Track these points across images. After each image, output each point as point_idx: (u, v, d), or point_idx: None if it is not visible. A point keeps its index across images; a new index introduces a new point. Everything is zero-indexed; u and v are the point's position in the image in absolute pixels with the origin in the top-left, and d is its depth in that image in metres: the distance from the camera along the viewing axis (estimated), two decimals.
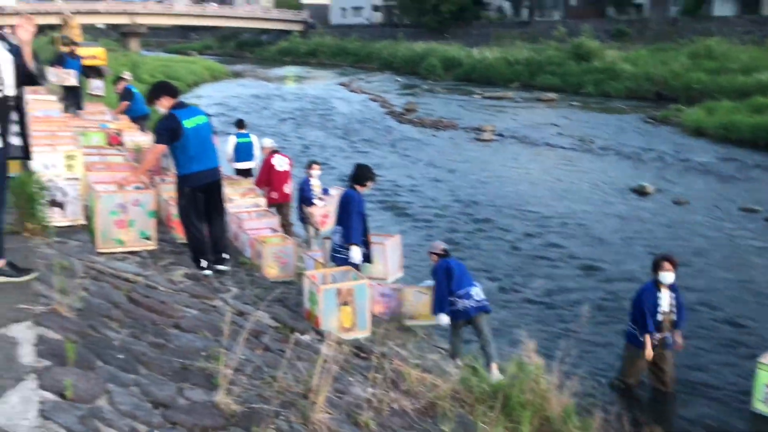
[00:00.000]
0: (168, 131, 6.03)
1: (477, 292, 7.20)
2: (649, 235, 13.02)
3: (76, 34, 43.10)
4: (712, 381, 7.63)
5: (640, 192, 16.13)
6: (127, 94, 14.10)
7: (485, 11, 61.07)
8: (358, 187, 7.14)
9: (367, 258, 7.24)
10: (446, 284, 7.10)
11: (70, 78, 13.91)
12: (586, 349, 8.07)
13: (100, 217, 5.88)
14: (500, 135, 24.21)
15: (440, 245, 7.60)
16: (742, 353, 8.26)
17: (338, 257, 7.09)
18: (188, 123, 6.07)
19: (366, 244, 7.19)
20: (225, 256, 6.48)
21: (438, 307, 7.13)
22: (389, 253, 8.05)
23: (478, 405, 4.80)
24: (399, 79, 47.26)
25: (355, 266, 6.85)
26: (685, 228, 13.48)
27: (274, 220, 8.91)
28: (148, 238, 6.23)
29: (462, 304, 7.10)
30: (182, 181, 6.23)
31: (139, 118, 13.50)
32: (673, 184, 17.02)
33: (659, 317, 7.15)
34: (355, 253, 6.97)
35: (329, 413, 3.65)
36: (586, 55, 39.21)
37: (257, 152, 11.84)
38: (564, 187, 16.97)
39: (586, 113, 30.03)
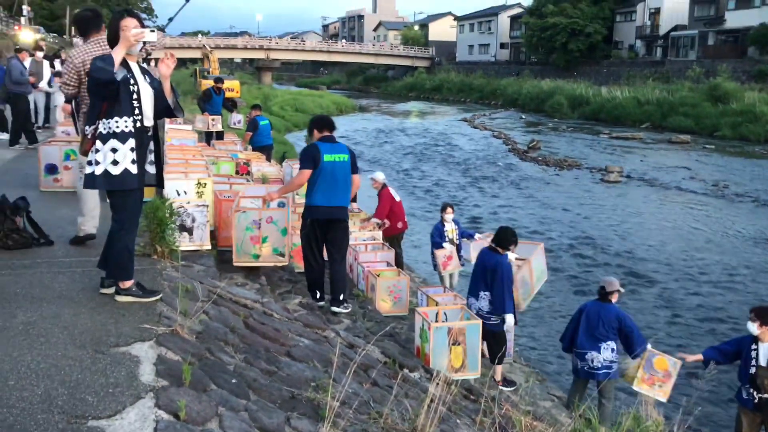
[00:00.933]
0: (309, 159, 6.30)
1: (594, 357, 6.77)
2: None
3: (215, 68, 46.04)
4: None
5: None
6: (252, 125, 14.70)
7: (616, 50, 59.72)
8: (501, 250, 7.04)
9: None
10: (571, 327, 6.96)
11: (217, 125, 14.71)
12: (713, 407, 7.59)
13: (237, 232, 6.31)
14: (628, 177, 23.44)
15: (614, 285, 6.97)
16: None
17: (492, 324, 6.95)
18: (328, 157, 6.29)
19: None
20: (342, 299, 6.49)
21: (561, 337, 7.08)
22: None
23: None
24: (523, 116, 46.95)
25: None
26: None
27: (390, 254, 8.96)
28: (281, 254, 6.49)
29: (574, 361, 6.91)
30: (306, 211, 6.44)
31: (261, 148, 14.02)
32: None
33: (752, 370, 6.52)
34: (510, 320, 6.90)
35: None
36: (723, 97, 37.43)
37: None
38: (694, 233, 16.16)
39: (721, 157, 28.60)
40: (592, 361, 6.76)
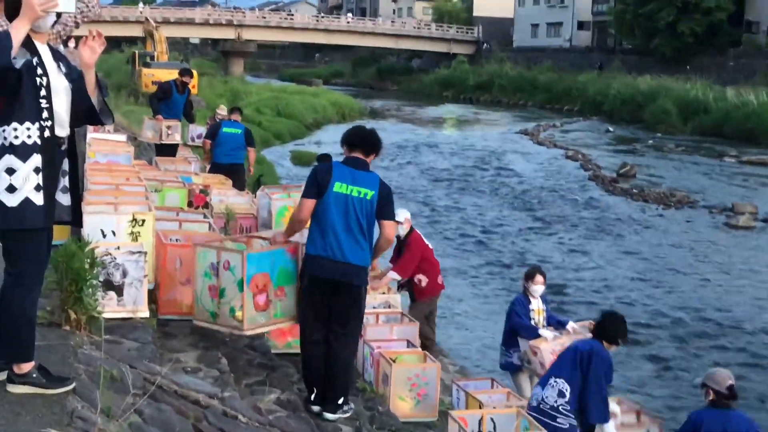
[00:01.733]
0: (312, 184, 6.36)
1: None
2: None
3: (161, 51, 46.61)
4: None
5: None
6: (213, 133, 14.54)
7: (749, 34, 59.83)
8: (606, 344, 7.00)
9: None
10: None
11: (175, 135, 14.86)
12: None
13: (196, 277, 6.51)
14: (765, 221, 23.35)
15: (726, 380, 6.77)
16: None
17: (558, 427, 6.88)
18: (340, 186, 6.25)
19: None
20: (340, 401, 6.42)
21: None
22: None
23: None
24: (611, 128, 47.01)
25: None
26: None
27: (413, 329, 8.86)
28: (237, 320, 6.42)
29: None
30: (304, 263, 6.45)
31: (227, 168, 13.83)
32: None
33: None
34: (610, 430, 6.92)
35: None
36: None
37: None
38: None
39: None
40: None
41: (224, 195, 11.46)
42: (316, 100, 50.45)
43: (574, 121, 51.84)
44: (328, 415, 6.30)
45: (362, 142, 6.56)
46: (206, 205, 10.54)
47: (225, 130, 14.35)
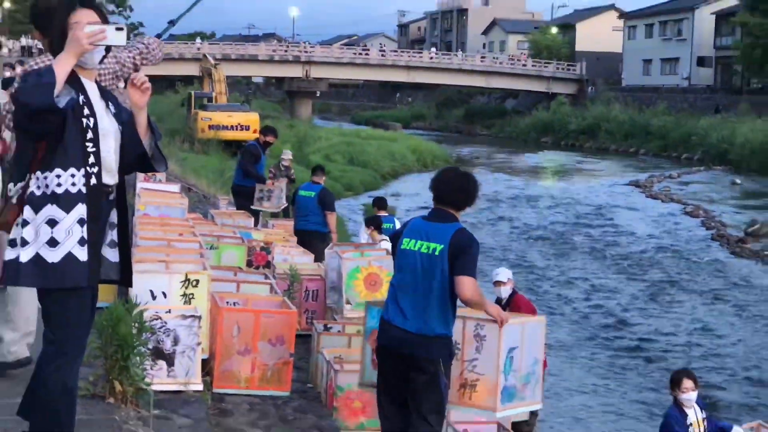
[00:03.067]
0: (392, 241, 6.57)
1: None
2: None
3: (220, 91, 47.03)
4: None
5: None
6: (292, 198, 15.23)
7: None
8: None
9: None
10: None
11: (282, 204, 15.58)
12: None
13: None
14: None
15: None
16: None
17: None
18: (408, 243, 6.18)
19: None
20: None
21: None
22: None
23: None
24: (737, 180, 46.45)
25: None
26: None
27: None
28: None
29: None
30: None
31: (299, 234, 14.20)
32: None
33: None
34: None
35: None
36: None
37: None
38: None
39: None
40: None
41: (288, 253, 11.55)
42: (394, 146, 50.65)
43: (693, 171, 51.28)
44: None
45: (447, 190, 6.30)
46: (268, 265, 10.61)
47: (300, 192, 14.86)
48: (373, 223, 13.51)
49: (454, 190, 6.29)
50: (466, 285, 5.84)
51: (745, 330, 18.93)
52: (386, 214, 14.39)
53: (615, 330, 18.16)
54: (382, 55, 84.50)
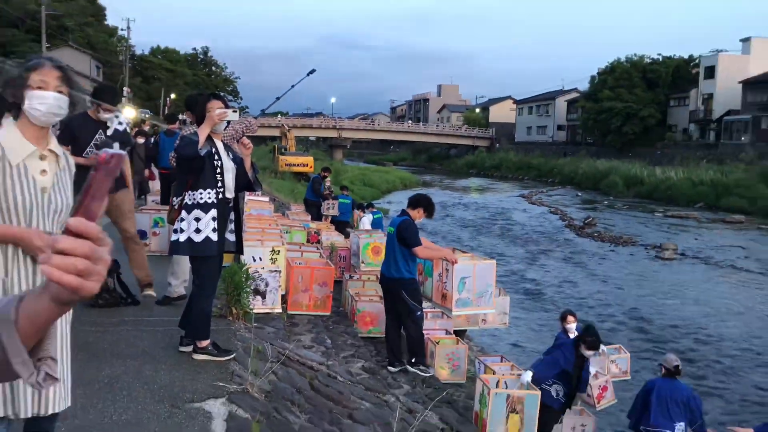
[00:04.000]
0: None
1: None
2: None
3: (291, 145, 47.17)
4: None
5: None
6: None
7: (670, 133, 58.93)
8: (584, 348, 6.63)
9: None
10: (640, 404, 6.44)
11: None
12: None
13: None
14: (682, 254, 22.71)
15: (674, 361, 6.58)
16: None
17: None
18: (388, 228, 6.87)
19: None
20: (413, 360, 6.53)
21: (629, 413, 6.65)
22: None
23: None
24: (579, 193, 46.39)
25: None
26: None
27: (450, 323, 8.81)
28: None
29: None
30: None
31: (339, 223, 15.13)
32: None
33: None
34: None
35: None
36: None
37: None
38: (753, 314, 15.43)
39: None
40: None
41: (330, 235, 11.57)
42: (388, 175, 50.73)
43: (555, 189, 51.19)
44: (392, 368, 6.50)
45: (409, 200, 6.96)
46: (318, 242, 10.66)
47: (341, 200, 16.07)
48: (359, 208, 15.84)
49: (411, 201, 6.85)
50: (417, 252, 6.50)
51: (585, 279, 18.93)
52: (374, 209, 15.64)
53: (513, 281, 18.16)
54: (382, 125, 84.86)
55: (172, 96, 52.13)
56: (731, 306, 15.98)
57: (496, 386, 6.00)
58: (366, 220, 14.47)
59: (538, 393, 5.97)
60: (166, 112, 42.37)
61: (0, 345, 1.01)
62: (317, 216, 15.15)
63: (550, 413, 6.35)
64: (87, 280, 0.95)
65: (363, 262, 9.43)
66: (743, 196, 36.73)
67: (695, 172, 42.72)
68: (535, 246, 24.15)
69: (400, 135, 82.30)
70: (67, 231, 0.95)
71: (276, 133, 59.42)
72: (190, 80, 54.70)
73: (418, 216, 6.64)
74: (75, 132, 5.10)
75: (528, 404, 5.81)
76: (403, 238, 6.42)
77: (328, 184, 16.74)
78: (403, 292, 6.44)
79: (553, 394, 6.43)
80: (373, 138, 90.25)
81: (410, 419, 4.72)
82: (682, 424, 6.26)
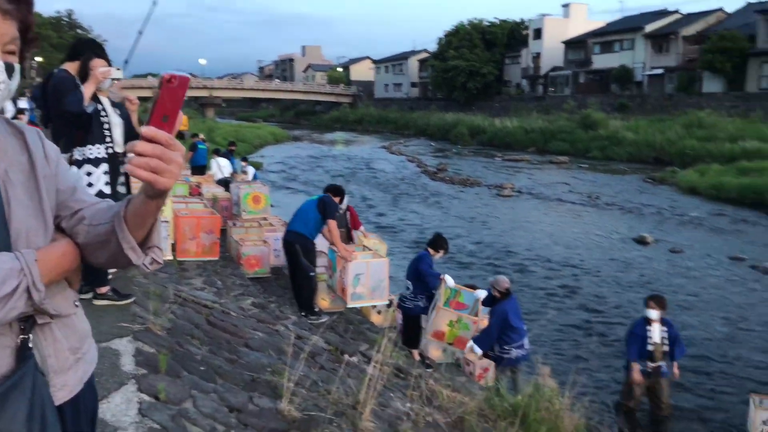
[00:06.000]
0: None
1: (526, 341, 6.76)
2: (649, 278, 12.81)
3: None
4: (707, 408, 7.42)
5: (641, 242, 15.91)
6: (192, 148, 15.58)
7: (506, 87, 61.63)
8: (431, 251, 7.13)
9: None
10: (496, 332, 6.69)
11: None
12: (594, 375, 7.93)
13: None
14: (519, 192, 24.16)
15: (505, 283, 6.93)
16: (734, 384, 8.03)
17: (412, 307, 7.15)
18: (308, 198, 7.13)
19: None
20: (303, 313, 6.54)
21: (480, 342, 6.75)
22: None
23: (501, 421, 4.76)
24: (432, 143, 47.67)
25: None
26: (680, 273, 13.24)
27: (326, 260, 8.94)
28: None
29: (515, 353, 6.70)
30: None
31: (198, 168, 15.03)
32: (670, 235, 16.75)
33: (649, 347, 6.92)
34: (449, 281, 7.12)
35: (374, 423, 3.67)
36: (593, 125, 39.16)
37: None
38: (574, 236, 16.82)
39: (592, 174, 29.86)
40: (527, 344, 6.81)
41: (210, 188, 11.28)
42: (260, 131, 49.32)
43: (411, 140, 52.21)
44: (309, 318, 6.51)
45: (327, 187, 7.33)
46: (200, 194, 10.37)
47: (199, 146, 15.84)
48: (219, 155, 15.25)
49: (328, 188, 7.21)
50: (330, 225, 6.67)
51: (441, 217, 19.67)
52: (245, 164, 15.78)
53: (380, 222, 18.52)
54: (251, 84, 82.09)
55: (38, 59, 47.46)
56: (559, 232, 17.32)
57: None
58: (250, 171, 14.61)
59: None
60: (33, 75, 38.64)
61: (114, 234, 1.17)
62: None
63: (415, 320, 6.97)
64: (161, 176, 1.08)
65: (244, 211, 9.33)
66: (566, 140, 39.40)
67: (527, 121, 45.11)
68: (397, 190, 24.73)
69: (268, 93, 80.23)
70: (142, 138, 1.08)
71: (149, 94, 56.12)
72: (56, 42, 49.90)
73: (338, 201, 7.01)
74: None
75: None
76: (324, 208, 6.59)
77: (243, 163, 16.32)
78: (298, 247, 6.53)
79: (421, 304, 6.94)
80: (243, 96, 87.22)
81: (300, 344, 4.84)
82: (526, 332, 6.87)
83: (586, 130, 39.18)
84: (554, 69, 56.39)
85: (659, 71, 46.16)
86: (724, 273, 13.26)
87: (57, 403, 1.20)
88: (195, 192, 10.58)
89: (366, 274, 6.51)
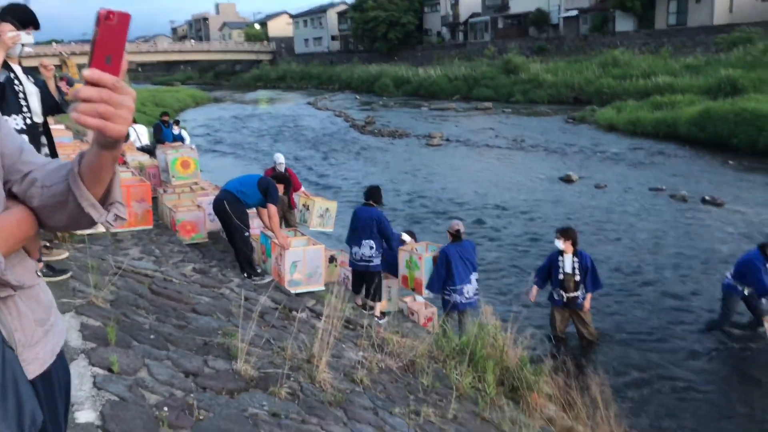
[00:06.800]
0: None
1: (469, 289, 6.93)
2: (577, 213, 13.33)
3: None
4: (632, 333, 7.88)
5: (567, 180, 16.47)
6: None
7: (427, 36, 61.47)
8: (373, 203, 7.14)
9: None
10: (444, 272, 6.87)
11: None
12: (533, 310, 8.27)
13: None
14: (447, 140, 24.43)
15: (456, 226, 7.13)
16: (657, 307, 8.55)
17: (374, 264, 7.24)
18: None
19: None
20: (245, 274, 6.46)
21: (431, 284, 7.01)
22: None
23: (450, 360, 4.93)
24: (358, 96, 47.30)
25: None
26: (605, 207, 13.84)
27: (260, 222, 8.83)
28: None
29: (454, 297, 6.91)
30: None
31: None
32: (593, 172, 17.41)
33: (560, 277, 7.29)
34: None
35: (330, 374, 3.73)
36: (514, 69, 39.78)
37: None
38: (504, 180, 17.23)
39: (517, 118, 30.47)
40: (468, 291, 6.96)
41: (134, 155, 10.87)
42: (179, 94, 47.58)
43: (336, 95, 51.62)
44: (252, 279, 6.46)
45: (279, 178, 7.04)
46: (125, 163, 9.99)
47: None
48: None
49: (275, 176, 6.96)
50: (270, 209, 6.53)
51: (373, 170, 19.67)
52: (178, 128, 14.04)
53: (312, 179, 18.38)
54: (165, 46, 78.54)
55: None
56: (489, 177, 17.70)
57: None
58: (185, 136, 13.93)
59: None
60: None
61: (71, 193, 1.12)
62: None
63: (379, 274, 7.21)
64: (111, 122, 1.02)
65: (174, 177, 9.06)
66: (489, 86, 39.92)
67: (450, 69, 45.34)
68: (326, 146, 24.52)
69: (185, 55, 77.14)
70: (86, 82, 1.01)
71: (56, 62, 52.91)
72: None
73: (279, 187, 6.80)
74: None
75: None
76: (266, 191, 6.43)
77: (176, 127, 15.36)
78: (228, 207, 6.38)
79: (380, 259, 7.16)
80: (157, 60, 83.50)
81: (247, 305, 4.81)
82: (474, 273, 7.04)
83: (508, 75, 39.77)
84: (473, 15, 56.58)
85: (574, 13, 47.06)
86: (645, 204, 13.94)
87: (30, 377, 1.16)
88: (120, 161, 10.19)
89: (303, 261, 6.50)
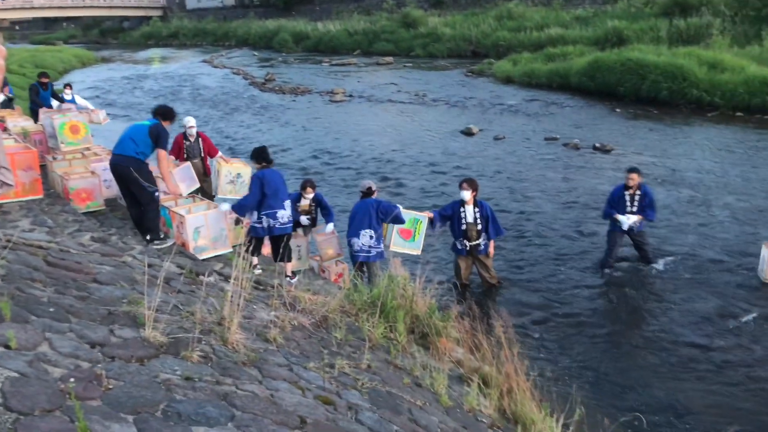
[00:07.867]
0: None
1: (361, 243, 7.04)
2: (478, 165, 13.75)
3: None
4: (532, 276, 8.34)
5: (468, 133, 16.89)
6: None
7: None
8: (258, 165, 6.89)
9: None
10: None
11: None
12: (441, 258, 8.54)
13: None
14: (350, 96, 24.30)
15: (366, 184, 7.28)
16: (553, 249, 9.06)
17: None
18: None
19: None
20: (148, 237, 6.21)
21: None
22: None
23: (361, 313, 5.04)
24: (256, 53, 45.87)
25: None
26: (504, 157, 14.35)
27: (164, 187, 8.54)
28: None
29: (353, 249, 7.13)
30: None
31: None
32: (493, 124, 17.94)
33: (463, 227, 7.62)
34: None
35: (242, 334, 3.72)
36: (413, 23, 39.83)
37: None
38: (406, 133, 17.43)
39: (418, 72, 30.67)
40: (361, 245, 7.07)
41: (16, 121, 10.12)
42: (62, 54, 44.15)
43: (233, 51, 49.77)
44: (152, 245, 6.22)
45: (156, 110, 6.68)
46: (5, 129, 9.28)
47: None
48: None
49: (156, 111, 6.60)
50: (161, 155, 6.35)
51: (276, 128, 19.30)
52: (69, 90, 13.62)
53: (214, 134, 17.79)
54: (42, 1, 72.47)
55: None
56: (393, 132, 17.84)
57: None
58: (80, 100, 13.15)
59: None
60: None
61: None
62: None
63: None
64: None
65: (63, 143, 8.53)
66: (389, 40, 39.81)
67: (350, 24, 44.77)
68: (226, 106, 23.78)
69: (66, 11, 71.47)
70: None
71: None
72: None
73: (167, 124, 6.47)
74: None
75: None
76: (157, 137, 6.20)
77: (68, 90, 14.16)
78: (132, 169, 6.08)
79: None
80: (35, 17, 77.07)
81: (151, 272, 4.69)
82: (369, 230, 7.12)
83: (407, 29, 39.78)
84: None
85: None
86: (541, 153, 14.57)
87: None
88: (0, 128, 9.45)
89: (205, 226, 6.35)
